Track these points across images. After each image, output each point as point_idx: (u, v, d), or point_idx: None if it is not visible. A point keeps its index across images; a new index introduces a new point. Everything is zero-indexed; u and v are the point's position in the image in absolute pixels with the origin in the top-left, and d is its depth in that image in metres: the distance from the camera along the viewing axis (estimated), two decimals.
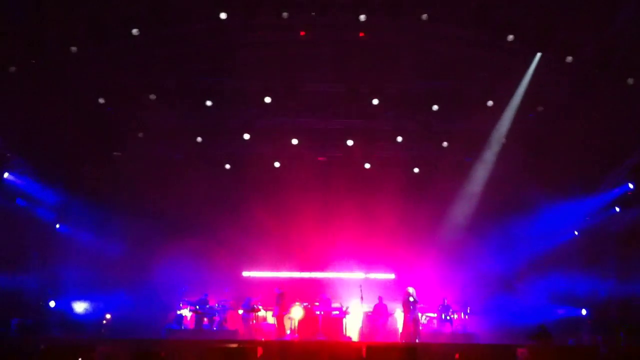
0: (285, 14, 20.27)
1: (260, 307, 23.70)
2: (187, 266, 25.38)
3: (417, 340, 21.55)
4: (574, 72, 21.91)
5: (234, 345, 17.82)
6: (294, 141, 25.23)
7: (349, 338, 23.13)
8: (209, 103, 23.85)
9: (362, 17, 20.35)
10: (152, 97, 23.45)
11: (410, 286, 23.07)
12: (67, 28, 20.17)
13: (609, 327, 22.47)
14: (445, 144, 25.43)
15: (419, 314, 22.96)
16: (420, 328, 22.89)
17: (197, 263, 25.78)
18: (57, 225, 24.79)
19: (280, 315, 22.87)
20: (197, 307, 23.69)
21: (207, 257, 26.12)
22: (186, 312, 24.05)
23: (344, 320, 23.49)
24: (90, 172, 25.07)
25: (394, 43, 22.83)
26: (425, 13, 20.20)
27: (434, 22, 20.78)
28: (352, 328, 23.89)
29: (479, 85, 23.92)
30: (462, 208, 26.29)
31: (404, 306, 22.62)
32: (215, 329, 23.46)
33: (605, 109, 22.51)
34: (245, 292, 24.90)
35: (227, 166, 26.38)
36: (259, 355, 16.54)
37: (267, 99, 23.71)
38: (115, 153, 25.78)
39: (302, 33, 21.76)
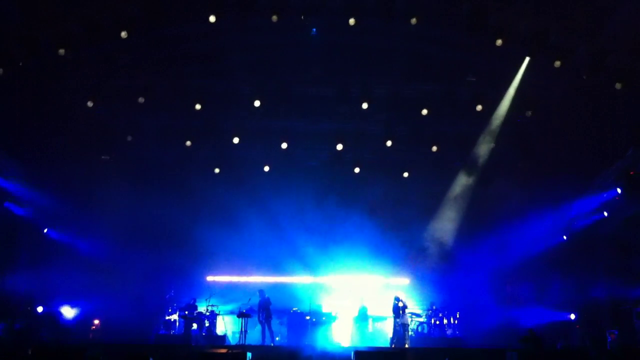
0: (275, 17, 20.21)
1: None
2: (175, 270, 25.33)
3: (406, 345, 21.55)
4: (563, 77, 21.97)
5: (223, 351, 17.81)
6: (284, 145, 25.17)
7: (338, 343, 23.07)
8: (198, 107, 23.75)
9: (352, 21, 20.31)
10: (141, 100, 23.33)
11: (399, 291, 23.09)
12: (57, 30, 20.05)
13: (598, 331, 22.54)
14: (434, 148, 25.40)
15: (408, 319, 22.93)
16: (410, 333, 22.89)
17: (185, 267, 25.70)
18: (45, 230, 24.63)
19: (261, 320, 22.83)
20: (186, 312, 23.61)
21: (196, 262, 26.05)
22: (175, 317, 23.95)
23: (333, 325, 23.44)
24: (79, 175, 24.83)
25: (384, 46, 22.85)
26: (415, 17, 20.19)
27: (424, 25, 20.78)
28: (341, 333, 23.83)
29: (468, 88, 23.95)
30: (451, 212, 26.33)
31: (393, 311, 22.62)
32: (204, 334, 23.39)
33: (594, 113, 22.61)
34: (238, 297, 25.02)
35: (217, 170, 26.28)
36: None
37: (257, 103, 23.64)
38: (103, 157, 25.63)
39: None
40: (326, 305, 24.61)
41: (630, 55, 20.26)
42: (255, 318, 23.13)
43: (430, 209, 26.79)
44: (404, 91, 24.15)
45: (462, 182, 26.04)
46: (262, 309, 22.77)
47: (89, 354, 16.12)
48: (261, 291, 23.09)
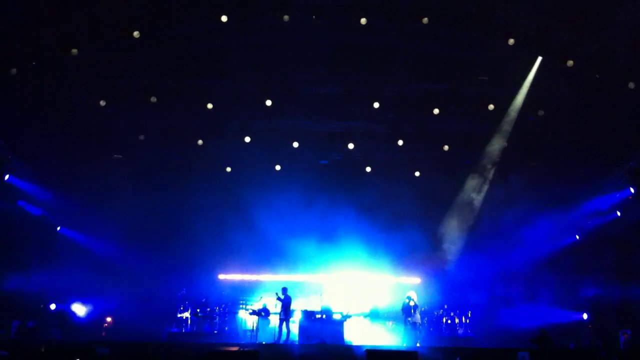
0: (286, 17, 20.23)
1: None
2: (187, 269, 25.40)
3: (418, 344, 21.51)
4: (572, 76, 21.85)
5: (235, 349, 17.84)
6: (295, 144, 25.20)
7: (350, 342, 23.05)
8: (210, 106, 23.80)
9: (363, 21, 20.29)
10: (154, 99, 23.41)
11: (411, 290, 23.06)
12: (67, 30, 20.12)
13: (610, 331, 22.45)
14: (446, 147, 25.35)
15: (420, 318, 22.90)
16: (421, 332, 22.85)
17: (196, 266, 25.75)
18: (58, 228, 24.74)
19: (282, 318, 22.81)
20: (198, 310, 23.66)
21: (207, 260, 26.10)
22: (187, 315, 24.01)
23: (345, 324, 23.43)
24: (90, 175, 24.89)
25: (393, 45, 22.82)
26: (425, 16, 20.16)
27: (430, 24, 20.72)
28: (353, 332, 23.81)
29: (476, 88, 23.88)
30: (462, 211, 26.30)
31: (404, 310, 22.59)
32: (215, 332, 23.43)
33: (606, 112, 22.48)
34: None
35: (228, 169, 26.33)
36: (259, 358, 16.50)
37: (268, 102, 23.67)
38: (115, 155, 25.70)
39: None
40: (337, 303, 24.56)
41: (638, 53, 20.16)
42: (267, 316, 23.18)
43: (440, 208, 26.73)
44: (411, 90, 24.08)
45: (472, 181, 25.95)
46: (283, 306, 22.69)
47: (99, 352, 16.18)
48: (284, 289, 23.03)
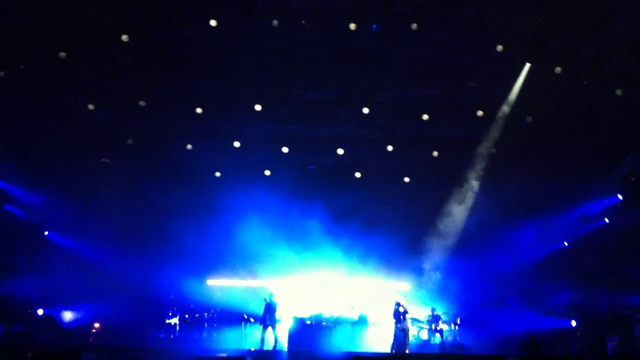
0: (275, 22, 20.22)
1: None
2: (175, 274, 25.31)
3: (407, 351, 21.47)
4: (563, 82, 21.91)
5: (223, 355, 17.77)
6: (284, 149, 25.15)
7: (338, 348, 23.01)
8: (199, 110, 23.75)
9: (352, 26, 20.30)
10: (142, 103, 23.33)
11: (400, 296, 23.04)
12: (58, 33, 20.03)
13: (597, 338, 22.49)
14: (435, 153, 25.37)
15: (409, 324, 22.86)
16: (410, 338, 22.81)
17: (185, 271, 25.66)
18: (46, 232, 24.60)
19: (269, 324, 22.74)
20: (186, 315, 23.55)
21: (196, 266, 26.00)
22: (175, 321, 23.89)
23: (334, 330, 23.39)
24: (79, 178, 24.78)
25: (385, 50, 22.82)
26: (416, 21, 20.16)
27: (425, 29, 20.73)
28: (341, 338, 23.77)
29: (469, 93, 23.89)
30: (452, 217, 26.32)
31: (394, 316, 22.55)
32: (203, 338, 23.33)
33: (595, 118, 22.56)
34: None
35: (217, 174, 26.25)
36: None
37: (257, 107, 23.62)
38: (104, 160, 25.56)
39: None
40: (327, 310, 24.52)
41: (631, 59, 20.21)
42: (255, 322, 23.10)
43: (430, 213, 26.71)
44: (405, 96, 24.07)
45: (462, 187, 25.97)
46: (270, 312, 22.61)
47: (85, 357, 16.07)
48: (270, 295, 22.99)
